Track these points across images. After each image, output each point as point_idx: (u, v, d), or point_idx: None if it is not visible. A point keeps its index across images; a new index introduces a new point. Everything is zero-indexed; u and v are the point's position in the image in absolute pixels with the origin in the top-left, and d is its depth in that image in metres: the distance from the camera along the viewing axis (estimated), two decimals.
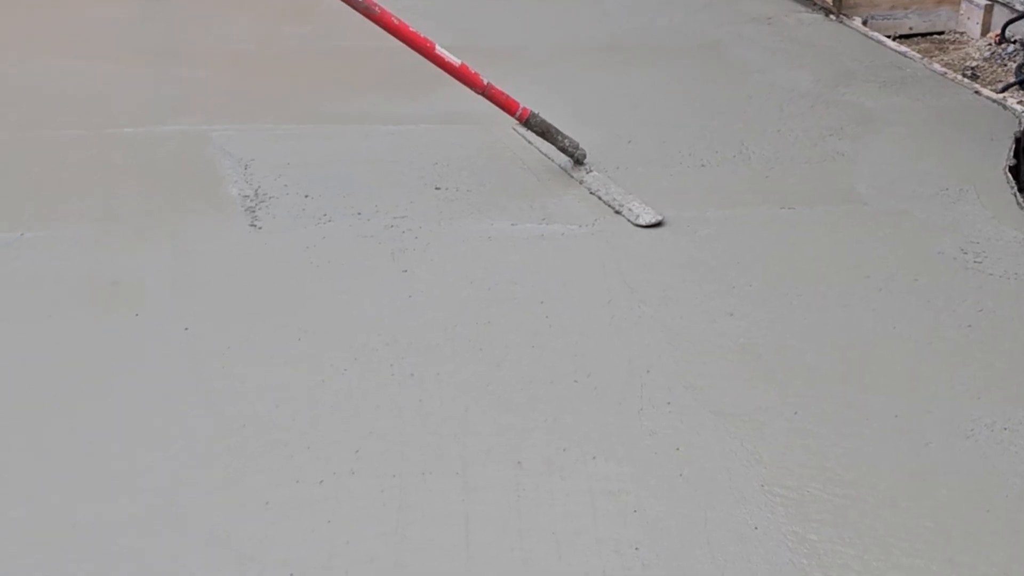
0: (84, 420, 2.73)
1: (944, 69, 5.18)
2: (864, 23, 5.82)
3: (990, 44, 5.59)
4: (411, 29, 3.77)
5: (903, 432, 2.71)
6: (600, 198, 3.85)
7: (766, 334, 3.12)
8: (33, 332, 3.09)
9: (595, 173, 3.99)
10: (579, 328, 3.14)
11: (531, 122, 3.96)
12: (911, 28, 6.06)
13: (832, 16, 5.83)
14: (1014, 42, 5.56)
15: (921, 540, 2.35)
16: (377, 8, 3.72)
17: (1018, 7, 5.62)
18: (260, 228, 3.64)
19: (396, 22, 3.74)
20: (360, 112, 4.57)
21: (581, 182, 3.96)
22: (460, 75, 3.86)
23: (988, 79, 5.26)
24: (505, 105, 3.93)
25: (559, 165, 4.07)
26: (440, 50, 3.80)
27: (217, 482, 2.52)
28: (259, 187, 3.90)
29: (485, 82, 3.88)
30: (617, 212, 3.76)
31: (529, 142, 4.17)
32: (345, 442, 2.65)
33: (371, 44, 4.31)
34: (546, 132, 3.99)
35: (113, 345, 3.04)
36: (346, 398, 2.82)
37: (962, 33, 6.03)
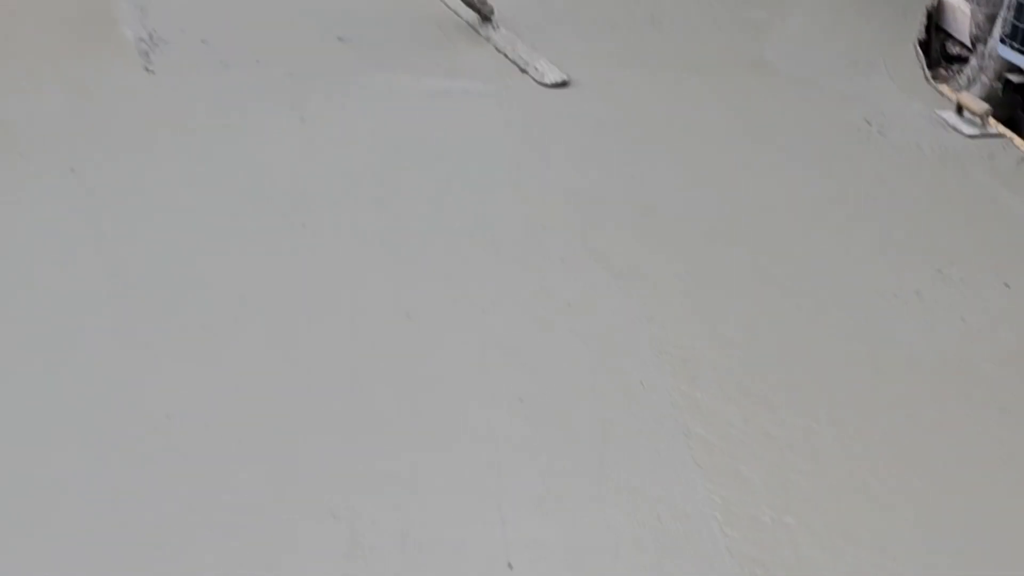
0: None
1: None
2: None
3: None
4: None
5: (798, 295, 2.70)
6: (507, 56, 3.77)
7: (667, 196, 3.09)
8: None
9: (503, 30, 3.90)
10: (479, 184, 3.08)
11: None
12: None
13: None
14: None
15: (807, 401, 2.35)
16: None
17: None
18: (154, 72, 3.52)
19: None
20: None
21: (488, 39, 3.87)
22: None
23: None
24: None
25: (467, 21, 3.97)
26: None
27: (105, 330, 2.44)
28: (155, 30, 3.76)
29: None
30: (523, 70, 3.69)
31: None
32: (234, 288, 2.58)
33: None
34: None
35: None
36: (236, 245, 2.75)
37: None
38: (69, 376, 2.28)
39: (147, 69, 3.53)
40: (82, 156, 3.06)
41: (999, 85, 3.65)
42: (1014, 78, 3.64)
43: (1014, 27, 3.53)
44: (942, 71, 3.99)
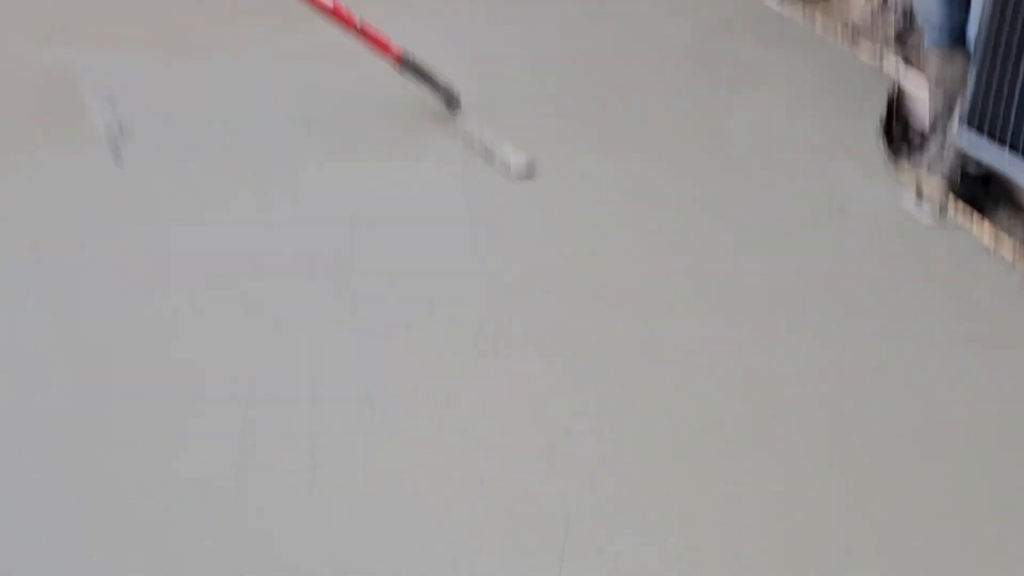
0: None
1: (824, 28, 5.23)
2: None
3: (871, 4, 5.64)
4: None
5: (758, 369, 2.72)
6: (472, 141, 3.81)
7: (630, 277, 3.11)
8: None
9: (470, 116, 3.94)
10: (440, 266, 3.10)
11: (405, 62, 3.90)
12: None
13: None
14: (895, 6, 5.61)
15: (764, 478, 2.36)
16: None
17: None
18: (122, 160, 3.54)
19: None
20: (231, 44, 4.46)
21: (454, 124, 3.91)
22: (333, 14, 3.80)
23: (868, 39, 5.31)
24: (379, 45, 3.87)
25: (432, 107, 4.01)
26: None
27: (60, 412, 2.43)
28: (123, 119, 3.78)
29: (358, 22, 3.80)
30: (488, 155, 3.72)
31: (404, 82, 4.10)
32: (195, 367, 2.59)
33: None
34: (420, 74, 3.93)
35: None
36: (198, 325, 2.75)
37: None
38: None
39: (116, 157, 3.54)
40: (46, 242, 3.07)
41: (958, 171, 3.70)
42: (971, 168, 3.69)
43: (971, 114, 3.59)
44: (905, 156, 4.04)
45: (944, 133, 3.75)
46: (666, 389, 2.63)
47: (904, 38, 4.82)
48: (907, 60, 4.62)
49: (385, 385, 2.58)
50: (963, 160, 3.68)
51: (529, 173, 3.64)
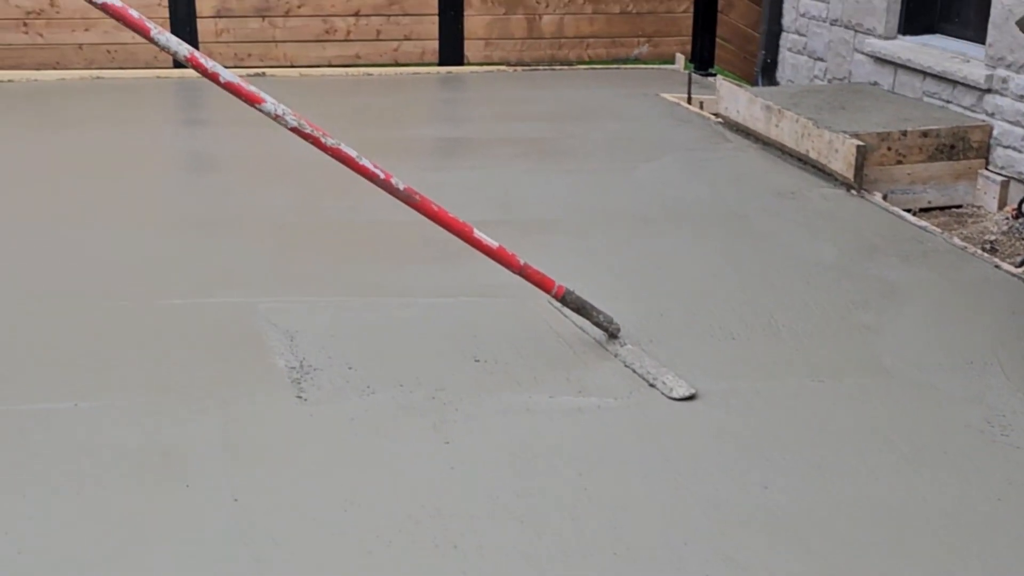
0: None
1: (964, 243, 5.35)
2: (884, 198, 6.02)
3: (1007, 218, 5.76)
4: (450, 215, 3.94)
5: None
6: (634, 371, 3.98)
7: (799, 506, 3.22)
8: (86, 502, 3.20)
9: (629, 346, 4.12)
10: (617, 500, 3.23)
11: (566, 299, 4.11)
12: (930, 202, 6.24)
13: (853, 191, 6.02)
14: None
15: None
16: (417, 196, 3.89)
17: None
18: (305, 400, 3.77)
19: (436, 208, 3.92)
20: (401, 284, 4.73)
21: (616, 355, 4.09)
22: (497, 256, 4.02)
23: (1007, 252, 5.41)
24: (541, 283, 4.08)
25: (594, 337, 4.20)
26: (478, 234, 3.97)
27: None
28: (304, 359, 4.04)
29: (522, 263, 4.03)
30: (651, 385, 3.88)
31: (565, 315, 4.31)
32: None
33: (409, 218, 4.48)
34: (581, 308, 4.13)
35: (164, 516, 3.14)
36: (392, 570, 2.91)
37: (980, 207, 6.21)
38: None
39: (299, 396, 3.78)
40: (243, 485, 3.28)
41: None
42: None
43: None
44: None
45: None
46: None
47: None
48: None
49: None
50: None
51: (691, 398, 3.78)
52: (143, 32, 3.56)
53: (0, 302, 4.54)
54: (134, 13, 3.55)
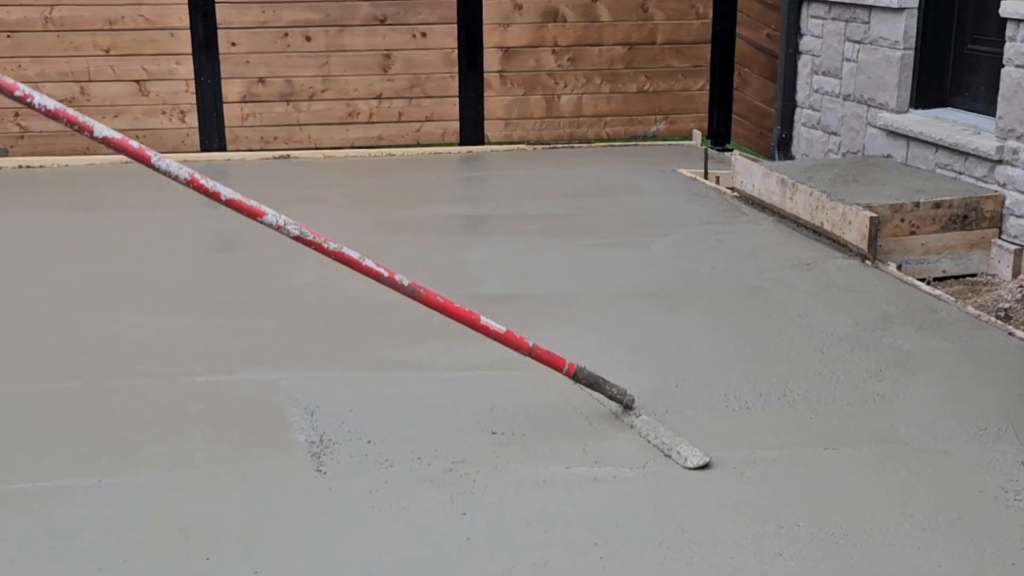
0: None
1: (977, 311, 5.39)
2: (898, 268, 6.07)
3: (1021, 286, 5.79)
4: (455, 305, 4.03)
5: None
6: (650, 441, 4.02)
7: (814, 574, 3.24)
8: None
9: (644, 416, 4.17)
10: (633, 570, 3.27)
11: (579, 376, 4.16)
12: (944, 271, 6.29)
13: (868, 262, 6.08)
14: None
15: None
16: (422, 290, 3.98)
17: None
18: (325, 473, 3.83)
19: (441, 300, 4.00)
20: (419, 360, 4.80)
21: (631, 426, 4.13)
22: (506, 341, 4.08)
23: (1020, 320, 5.44)
24: (552, 363, 4.13)
25: (610, 409, 4.25)
26: (485, 321, 4.05)
27: None
28: (324, 433, 4.10)
29: (531, 344, 4.10)
30: (667, 455, 3.93)
31: (581, 388, 4.36)
32: None
33: None
34: (594, 383, 4.19)
35: None
36: None
37: (993, 276, 6.25)
38: None
39: (319, 470, 3.84)
40: (263, 558, 3.34)
41: None
42: None
43: None
44: None
45: None
46: None
47: None
48: None
49: None
50: None
51: (706, 467, 3.83)
52: (144, 160, 3.68)
53: (26, 379, 4.63)
54: (134, 144, 3.68)
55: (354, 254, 3.90)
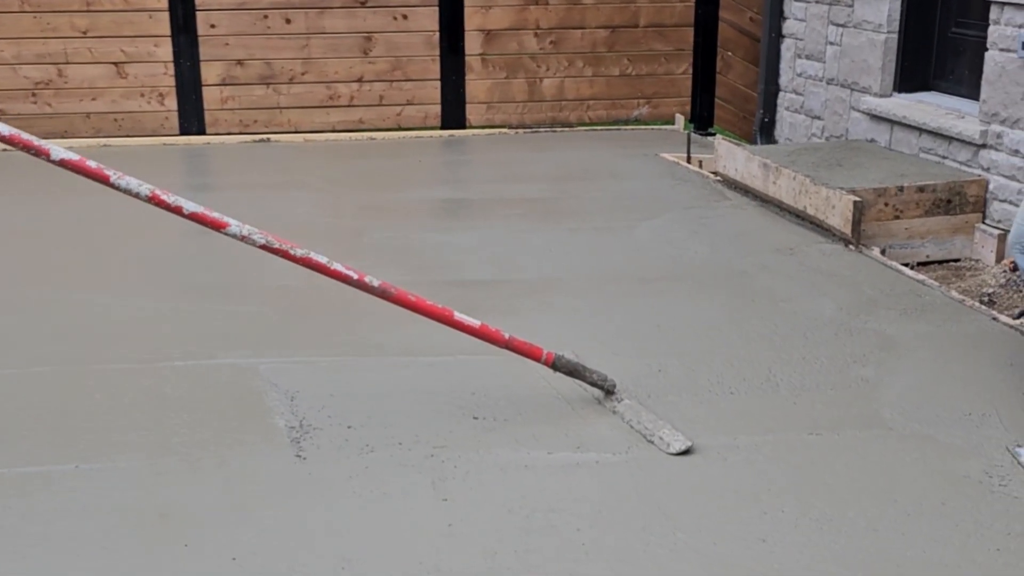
0: None
1: (961, 296, 5.38)
2: (882, 252, 6.05)
3: (1005, 271, 5.79)
4: (428, 303, 4.02)
5: None
6: (632, 426, 3.99)
7: (798, 560, 3.22)
8: (87, 563, 3.22)
9: (627, 401, 4.14)
10: (615, 556, 3.24)
11: (558, 365, 4.13)
12: (928, 256, 6.28)
13: (851, 246, 6.06)
14: None
15: None
16: (393, 290, 3.96)
17: None
18: (305, 459, 3.79)
19: (413, 299, 3.99)
20: (400, 345, 4.76)
21: (614, 411, 4.10)
22: (481, 334, 4.06)
23: (1004, 305, 5.44)
24: (530, 354, 4.11)
25: (592, 393, 4.22)
26: (459, 316, 4.04)
27: None
28: (304, 418, 4.06)
29: (507, 336, 4.07)
30: (649, 440, 3.90)
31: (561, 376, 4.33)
32: None
33: (410, 278, 4.54)
34: (574, 371, 4.16)
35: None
36: None
37: (977, 260, 6.24)
38: None
39: (298, 455, 3.80)
40: (242, 544, 3.30)
41: None
42: None
43: None
44: None
45: None
46: None
47: None
48: None
49: None
50: None
51: (688, 452, 3.80)
52: (103, 180, 3.68)
53: (1, 365, 4.57)
54: (92, 163, 3.66)
55: (322, 258, 3.88)
